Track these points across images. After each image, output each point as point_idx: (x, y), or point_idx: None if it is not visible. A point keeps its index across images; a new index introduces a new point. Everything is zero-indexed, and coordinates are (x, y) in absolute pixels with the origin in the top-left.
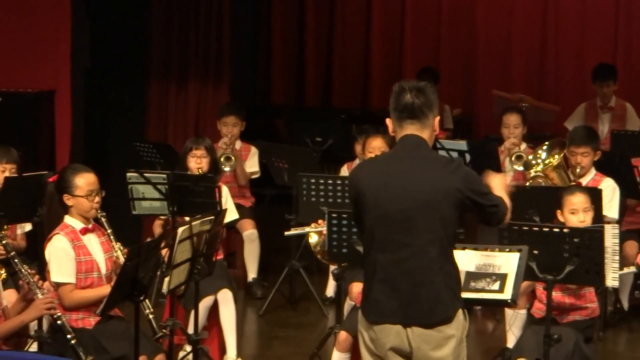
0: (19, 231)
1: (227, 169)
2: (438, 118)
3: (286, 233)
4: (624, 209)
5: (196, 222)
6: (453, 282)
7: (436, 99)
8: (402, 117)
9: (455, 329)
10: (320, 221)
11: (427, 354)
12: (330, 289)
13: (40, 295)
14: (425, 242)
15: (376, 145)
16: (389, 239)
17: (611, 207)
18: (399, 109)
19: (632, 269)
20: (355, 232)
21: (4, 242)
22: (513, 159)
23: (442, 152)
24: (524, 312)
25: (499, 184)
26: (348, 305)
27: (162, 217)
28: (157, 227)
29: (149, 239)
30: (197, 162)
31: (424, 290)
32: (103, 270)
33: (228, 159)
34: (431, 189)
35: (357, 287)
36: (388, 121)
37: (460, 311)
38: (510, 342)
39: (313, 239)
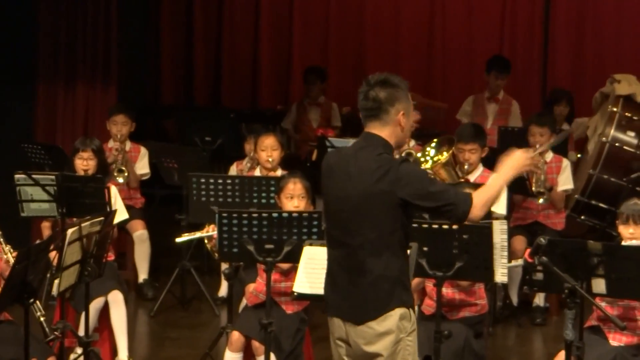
0: None
1: (120, 180)
2: (402, 113)
3: (177, 240)
4: (511, 205)
5: (86, 224)
6: (387, 283)
7: (402, 91)
8: (363, 115)
9: (388, 327)
10: (212, 226)
11: (361, 347)
12: (223, 290)
13: None
14: (357, 243)
15: (268, 144)
16: (331, 235)
17: (499, 203)
18: (360, 107)
19: (520, 261)
20: (245, 231)
21: None
22: (402, 155)
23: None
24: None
25: (507, 164)
26: (243, 305)
27: (50, 218)
28: (45, 229)
29: (37, 241)
30: (83, 165)
31: (356, 288)
32: None
33: (121, 171)
34: (359, 194)
35: (251, 288)
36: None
37: (396, 310)
38: None
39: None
